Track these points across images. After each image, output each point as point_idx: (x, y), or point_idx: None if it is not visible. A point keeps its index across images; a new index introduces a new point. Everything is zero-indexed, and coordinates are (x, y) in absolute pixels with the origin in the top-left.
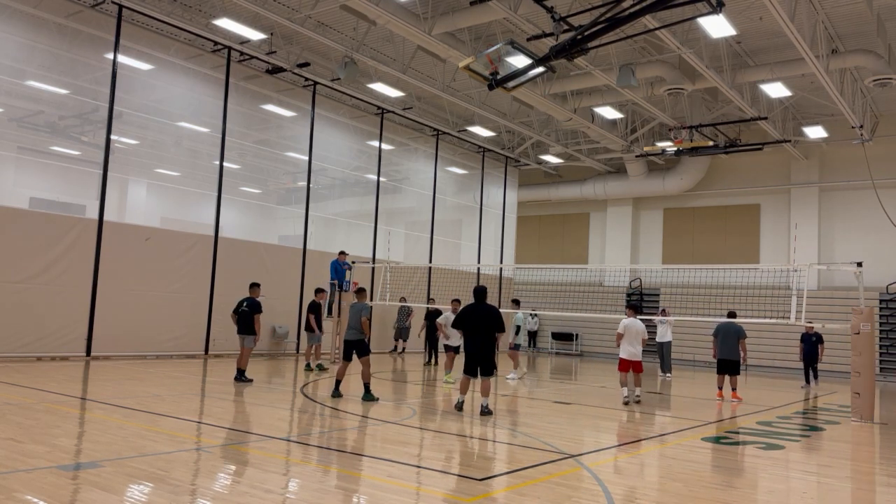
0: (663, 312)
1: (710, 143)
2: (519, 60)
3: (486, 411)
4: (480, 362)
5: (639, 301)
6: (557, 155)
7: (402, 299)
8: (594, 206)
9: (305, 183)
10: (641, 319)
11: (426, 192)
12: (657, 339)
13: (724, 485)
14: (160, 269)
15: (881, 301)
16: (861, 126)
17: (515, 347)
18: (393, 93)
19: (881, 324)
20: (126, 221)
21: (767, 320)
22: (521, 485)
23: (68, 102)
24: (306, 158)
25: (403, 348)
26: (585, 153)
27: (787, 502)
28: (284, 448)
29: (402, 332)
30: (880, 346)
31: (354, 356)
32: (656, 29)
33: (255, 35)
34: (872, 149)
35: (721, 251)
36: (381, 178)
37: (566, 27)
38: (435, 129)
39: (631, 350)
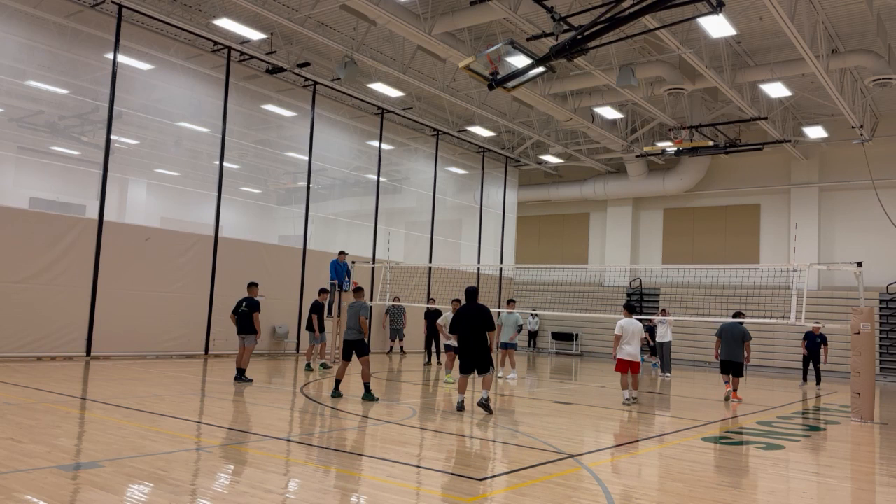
0: (663, 312)
1: (710, 143)
2: (519, 60)
3: (484, 403)
4: (476, 361)
5: (637, 301)
6: (557, 155)
7: (396, 299)
8: (594, 206)
9: (305, 183)
10: (640, 319)
11: (426, 192)
12: (657, 340)
13: (724, 485)
14: (160, 269)
15: (881, 301)
16: (861, 126)
17: (506, 346)
18: (393, 93)
19: (881, 324)
20: (126, 221)
21: (768, 320)
22: (521, 485)
23: (68, 102)
24: (306, 158)
25: (401, 348)
26: (585, 153)
27: (787, 502)
28: (284, 448)
29: (397, 333)
30: (880, 346)
31: (354, 356)
32: (656, 29)
33: (255, 35)
34: (872, 149)
35: (721, 251)
36: (381, 178)
37: (566, 27)
38: (435, 129)
39: (629, 350)
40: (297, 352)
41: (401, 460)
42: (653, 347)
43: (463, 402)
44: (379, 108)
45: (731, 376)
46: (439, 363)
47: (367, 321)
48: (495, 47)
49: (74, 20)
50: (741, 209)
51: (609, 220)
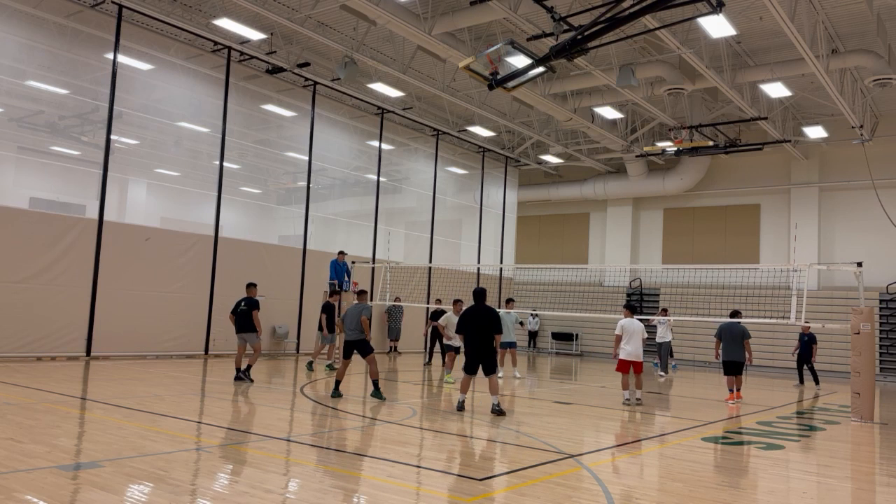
0: (664, 312)
1: (710, 143)
2: (519, 60)
3: (497, 410)
4: (481, 362)
5: (637, 301)
6: (557, 155)
7: (397, 299)
8: (594, 206)
9: (305, 183)
10: (640, 320)
11: (426, 192)
12: (656, 340)
13: (724, 485)
14: (160, 269)
15: (881, 301)
16: (861, 126)
17: (508, 346)
18: (393, 93)
19: (881, 324)
20: (126, 221)
21: (767, 320)
22: (521, 485)
23: (68, 102)
24: (306, 158)
25: (395, 347)
26: (585, 153)
27: (787, 502)
28: (284, 448)
29: (395, 332)
30: (880, 346)
31: (355, 355)
32: (656, 29)
33: (255, 35)
34: (872, 149)
35: (721, 251)
36: (381, 178)
37: (566, 27)
38: (435, 129)
39: (629, 350)
40: (297, 352)
41: (401, 460)
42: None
43: (463, 402)
44: (379, 108)
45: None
46: (443, 364)
47: (369, 321)
48: (495, 47)
49: (74, 20)
50: (741, 209)
51: (609, 220)
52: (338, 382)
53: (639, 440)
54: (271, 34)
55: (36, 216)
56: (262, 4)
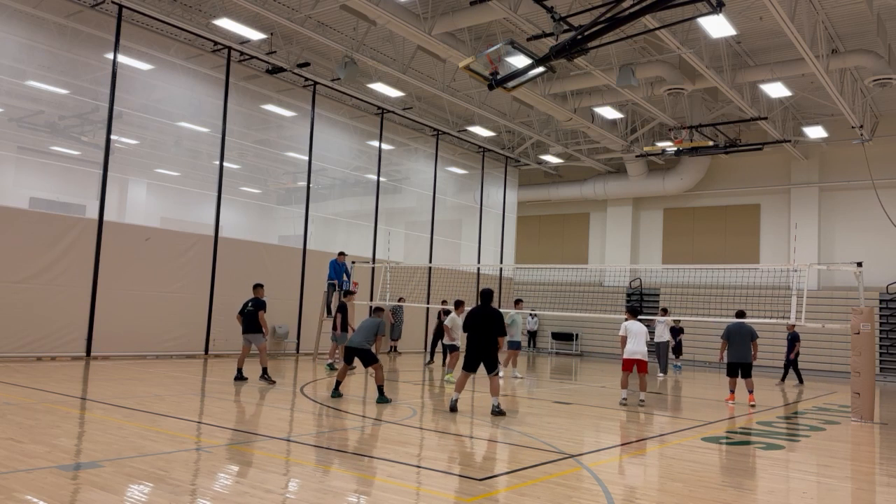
0: (664, 312)
1: (710, 143)
2: (519, 60)
3: (497, 411)
4: (483, 360)
5: (638, 303)
6: (557, 155)
7: (401, 299)
8: (594, 206)
9: (305, 183)
10: (642, 320)
11: (426, 192)
12: (655, 339)
13: (724, 485)
14: (160, 269)
15: (881, 301)
16: (861, 126)
17: (512, 346)
18: (393, 93)
19: (881, 324)
20: (126, 221)
21: (767, 320)
22: (521, 485)
23: (68, 102)
24: (306, 158)
25: (395, 347)
26: (585, 153)
27: (787, 502)
28: (284, 448)
29: (397, 332)
30: (880, 346)
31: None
32: (656, 29)
33: (255, 35)
34: (872, 149)
35: (721, 251)
36: (381, 178)
37: (566, 27)
38: (435, 129)
39: (632, 349)
40: (297, 352)
41: (401, 460)
42: (674, 348)
43: (456, 402)
44: (379, 108)
45: (739, 378)
46: (444, 363)
47: (382, 336)
48: (495, 47)
49: (74, 20)
50: (741, 209)
51: (609, 220)
52: (338, 383)
53: (639, 440)
54: (271, 34)
55: (36, 216)
56: (262, 4)
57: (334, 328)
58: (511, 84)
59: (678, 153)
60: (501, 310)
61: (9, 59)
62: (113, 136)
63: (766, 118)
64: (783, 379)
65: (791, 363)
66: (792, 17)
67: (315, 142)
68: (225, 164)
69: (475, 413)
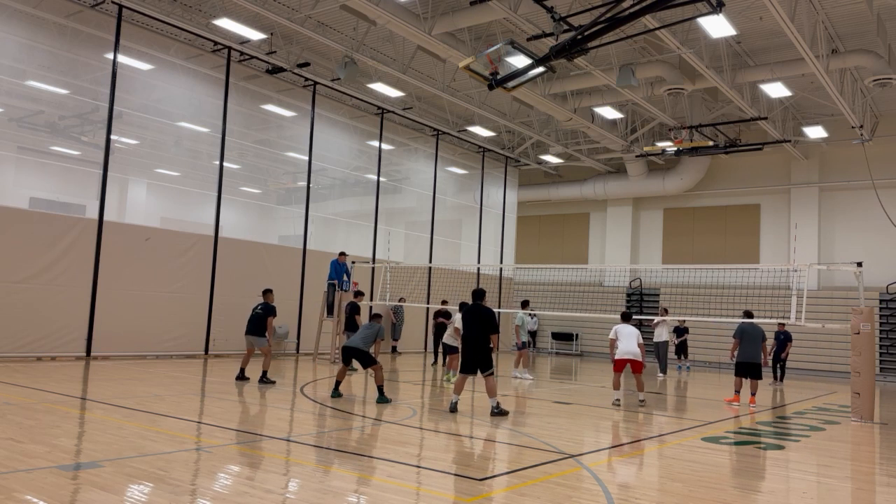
0: (665, 312)
1: (710, 143)
2: (519, 60)
3: (498, 412)
4: (477, 360)
5: (638, 303)
6: (557, 155)
7: (401, 299)
8: (594, 206)
9: (305, 183)
10: (642, 320)
11: (426, 192)
12: (654, 340)
13: (724, 485)
14: (160, 269)
15: (881, 301)
16: (861, 126)
17: (521, 346)
18: (393, 93)
19: (881, 324)
20: (126, 221)
21: (768, 320)
22: (521, 485)
23: (68, 102)
24: (306, 158)
25: (395, 347)
26: (585, 153)
27: (787, 502)
28: (284, 448)
29: (398, 332)
30: (880, 346)
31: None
32: (656, 29)
33: (255, 35)
34: (872, 149)
35: (721, 251)
36: (381, 178)
37: (566, 27)
38: (435, 129)
39: (623, 349)
40: (297, 352)
41: (401, 460)
42: (679, 347)
43: (456, 403)
44: (379, 108)
45: (747, 380)
46: (444, 363)
47: (381, 341)
48: (495, 47)
49: (74, 20)
50: (741, 209)
51: (609, 220)
52: (338, 383)
53: (639, 440)
54: (271, 34)
55: (36, 216)
56: (262, 4)
57: (346, 329)
58: (511, 84)
59: (678, 153)
60: (509, 311)
61: (9, 59)
62: (113, 136)
63: (766, 118)
64: (776, 378)
65: (782, 362)
66: (792, 17)
67: (315, 142)
68: (225, 164)
69: (475, 413)
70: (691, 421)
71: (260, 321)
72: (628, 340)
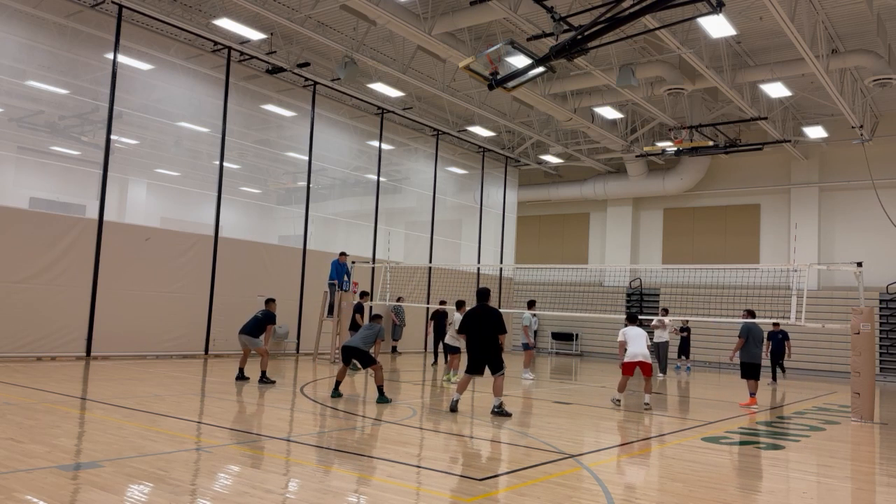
0: (665, 312)
1: (710, 143)
2: (519, 60)
3: (499, 412)
4: (487, 361)
5: (638, 303)
6: (557, 155)
7: (399, 299)
8: (594, 206)
9: (305, 183)
10: (642, 320)
11: (426, 192)
12: (654, 340)
13: (724, 485)
14: (160, 269)
15: (881, 301)
16: (861, 126)
17: (527, 346)
18: (393, 93)
19: (881, 324)
20: (126, 221)
21: (767, 320)
22: (521, 485)
23: (68, 102)
24: (306, 158)
25: (395, 347)
26: (585, 153)
27: (787, 502)
28: (284, 448)
29: (398, 332)
30: (880, 346)
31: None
32: (656, 29)
33: (255, 35)
34: (872, 149)
35: (721, 251)
36: (381, 178)
37: (566, 27)
38: (435, 129)
39: (633, 351)
40: (297, 352)
41: (401, 460)
42: (680, 346)
43: (457, 402)
44: (379, 108)
45: (748, 382)
46: (446, 362)
47: (381, 342)
48: (495, 47)
49: (74, 20)
50: (741, 209)
51: (609, 220)
52: (338, 383)
53: (639, 440)
54: (271, 34)
55: (36, 216)
56: (262, 4)
57: (351, 329)
58: (511, 84)
59: (678, 153)
60: (510, 311)
61: (9, 59)
62: (113, 136)
63: (766, 118)
64: (774, 379)
65: (781, 362)
66: (792, 17)
67: (315, 142)
68: (225, 164)
69: (475, 413)
70: (691, 421)
71: (258, 325)
72: (638, 342)
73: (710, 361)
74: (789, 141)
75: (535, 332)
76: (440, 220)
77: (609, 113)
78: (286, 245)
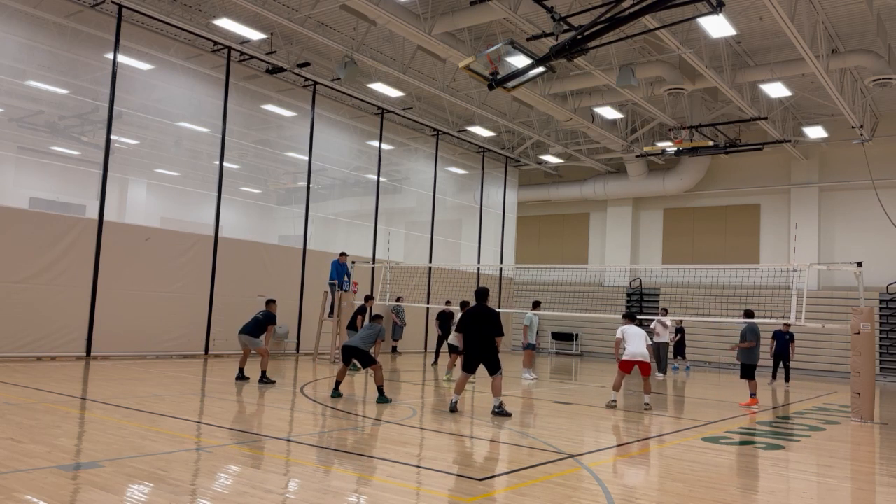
0: (664, 312)
1: (710, 143)
2: (519, 60)
3: (500, 412)
4: (484, 362)
5: (638, 304)
6: (557, 155)
7: (399, 298)
8: (594, 206)
9: (305, 183)
10: (641, 320)
11: (426, 192)
12: (654, 340)
13: (724, 485)
14: (160, 269)
15: (881, 301)
16: (861, 126)
17: (528, 347)
18: (393, 93)
19: (881, 324)
20: (126, 221)
21: (767, 320)
22: (521, 485)
23: (68, 102)
24: (306, 158)
25: (395, 347)
26: (585, 153)
27: (787, 502)
28: (284, 448)
29: (399, 331)
30: (880, 346)
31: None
32: (656, 29)
33: (255, 35)
34: (872, 149)
35: (721, 251)
36: (381, 178)
37: (566, 27)
38: (435, 129)
39: (633, 350)
40: (297, 352)
41: (401, 460)
42: (676, 347)
43: (456, 403)
44: (379, 108)
45: (749, 381)
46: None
47: (381, 342)
48: (495, 47)
49: (74, 20)
50: (741, 209)
51: (609, 220)
52: (338, 383)
53: (639, 440)
54: (271, 34)
55: (36, 216)
56: (262, 4)
57: (350, 328)
58: (511, 84)
59: (678, 153)
60: (510, 311)
61: (9, 59)
62: (113, 136)
63: (766, 118)
64: (787, 379)
65: (787, 363)
66: (792, 17)
67: (315, 142)
68: (225, 164)
69: (475, 413)
70: (691, 421)
71: (258, 325)
72: (637, 341)
73: (710, 361)
74: (789, 141)
75: (538, 332)
76: (440, 220)
77: (609, 113)
78: (286, 245)
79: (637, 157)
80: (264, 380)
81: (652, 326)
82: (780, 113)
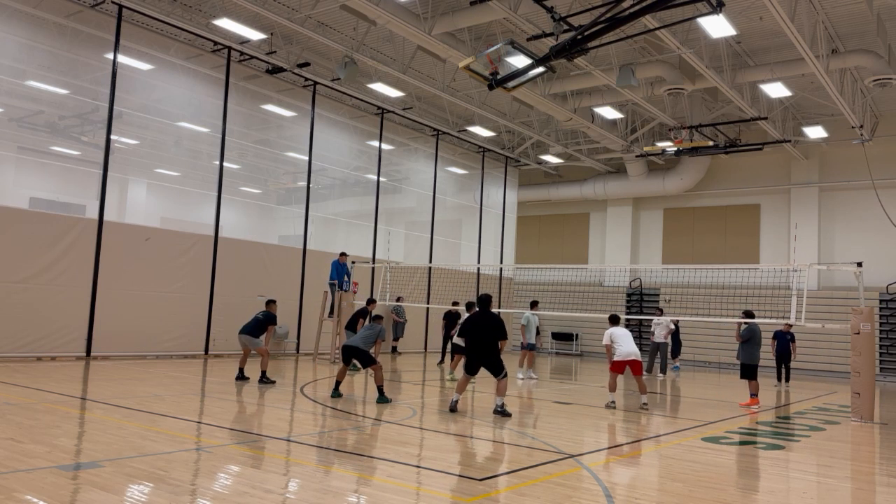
0: (660, 312)
1: (710, 143)
2: (519, 60)
3: (501, 411)
4: (487, 366)
5: (638, 303)
6: (557, 155)
7: (399, 298)
8: (594, 206)
9: (305, 183)
10: (643, 319)
11: (426, 192)
12: (653, 340)
13: (724, 485)
14: (160, 269)
15: (881, 301)
16: (861, 126)
17: (528, 347)
18: (393, 93)
19: (881, 324)
20: (126, 221)
21: (767, 320)
22: (521, 485)
23: (68, 102)
24: (306, 158)
25: (396, 347)
26: (585, 153)
27: (787, 502)
28: (284, 448)
29: (400, 331)
30: (880, 346)
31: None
32: (656, 29)
33: (255, 35)
34: (872, 149)
35: (721, 251)
36: (381, 178)
37: (566, 27)
38: (435, 129)
39: (625, 350)
40: (297, 352)
41: (401, 460)
42: (672, 348)
43: (456, 402)
44: (379, 108)
45: (750, 381)
46: (452, 361)
47: (382, 342)
48: (495, 47)
49: (74, 20)
50: (741, 209)
51: (609, 220)
52: (338, 383)
53: (639, 440)
54: (271, 34)
55: (36, 216)
56: (262, 4)
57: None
58: (511, 84)
59: (678, 153)
60: (510, 311)
61: (9, 59)
62: (113, 136)
63: (766, 118)
64: (787, 379)
65: (787, 364)
66: (792, 17)
67: (315, 142)
68: (225, 164)
69: (475, 413)
70: (691, 421)
71: (258, 325)
72: (627, 341)
73: (710, 361)
74: (789, 141)
75: (538, 332)
76: (440, 220)
77: (609, 113)
78: (286, 245)
79: (637, 157)
80: (264, 380)
81: (658, 331)
82: (780, 113)
